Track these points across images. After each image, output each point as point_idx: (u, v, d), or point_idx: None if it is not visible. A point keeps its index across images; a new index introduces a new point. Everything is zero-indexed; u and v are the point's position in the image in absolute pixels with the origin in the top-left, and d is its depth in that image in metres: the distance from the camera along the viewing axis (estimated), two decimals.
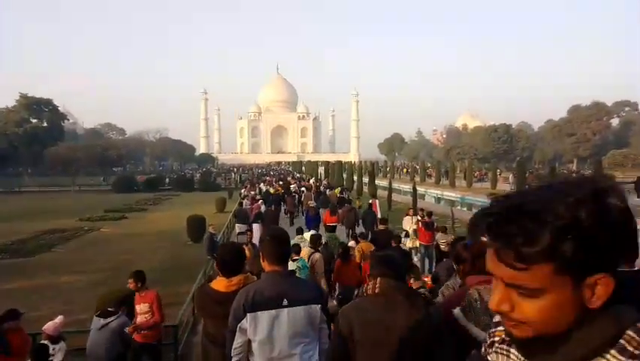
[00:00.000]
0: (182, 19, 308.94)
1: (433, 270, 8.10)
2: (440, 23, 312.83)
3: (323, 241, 8.63)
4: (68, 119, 74.33)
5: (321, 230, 12.86)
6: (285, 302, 2.34)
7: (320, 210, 15.94)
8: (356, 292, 5.43)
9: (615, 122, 71.27)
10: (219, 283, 2.85)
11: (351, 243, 9.42)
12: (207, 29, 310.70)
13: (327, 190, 23.08)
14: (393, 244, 8.20)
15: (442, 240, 9.89)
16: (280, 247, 2.46)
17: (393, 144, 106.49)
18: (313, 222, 14.59)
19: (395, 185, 41.86)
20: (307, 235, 9.93)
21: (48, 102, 66.59)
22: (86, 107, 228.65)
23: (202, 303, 2.93)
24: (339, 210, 15.05)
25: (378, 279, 2.18)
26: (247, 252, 8.98)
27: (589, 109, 65.67)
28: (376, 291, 2.13)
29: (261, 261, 2.49)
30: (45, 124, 65.55)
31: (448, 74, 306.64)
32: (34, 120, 65.07)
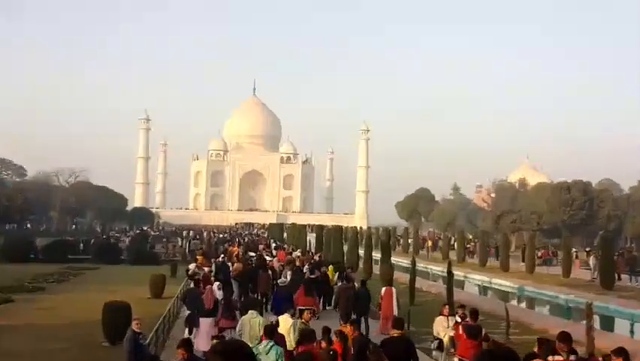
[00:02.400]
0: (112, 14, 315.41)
1: None
2: (488, 34, 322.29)
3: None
4: None
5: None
6: None
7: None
8: None
9: None
10: None
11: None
12: (147, 29, 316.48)
13: (315, 270, 22.53)
14: None
15: None
16: None
17: (419, 205, 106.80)
18: (283, 303, 15.30)
19: (421, 265, 41.33)
20: (283, 319, 11.01)
21: None
22: None
23: None
24: (337, 287, 15.26)
25: None
26: None
27: None
28: None
29: None
30: None
31: (500, 107, 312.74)
32: None
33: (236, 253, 30.30)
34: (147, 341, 11.72)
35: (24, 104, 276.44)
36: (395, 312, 16.44)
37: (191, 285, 18.23)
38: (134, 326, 11.29)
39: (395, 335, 9.75)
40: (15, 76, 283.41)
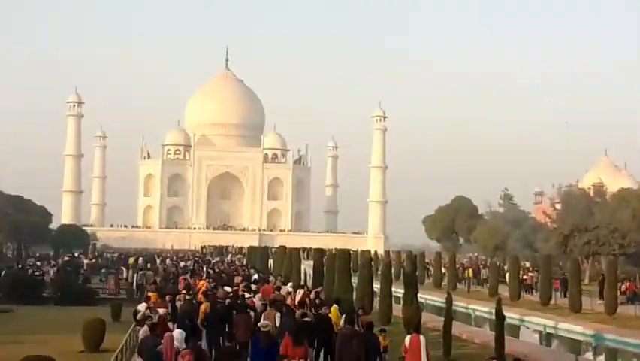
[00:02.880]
0: None
1: None
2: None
3: None
4: None
5: None
6: None
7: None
8: None
9: None
10: None
11: None
12: None
13: (312, 310, 22.83)
14: None
15: None
16: None
17: (455, 220, 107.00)
18: (266, 355, 15.72)
19: (459, 304, 41.61)
20: None
21: None
22: None
23: None
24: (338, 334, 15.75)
25: None
26: None
27: None
28: None
29: None
30: None
31: (568, 90, 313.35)
32: None
33: (203, 288, 30.23)
34: None
35: None
36: None
37: (147, 332, 18.26)
38: None
39: None
40: None
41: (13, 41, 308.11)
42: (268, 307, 22.03)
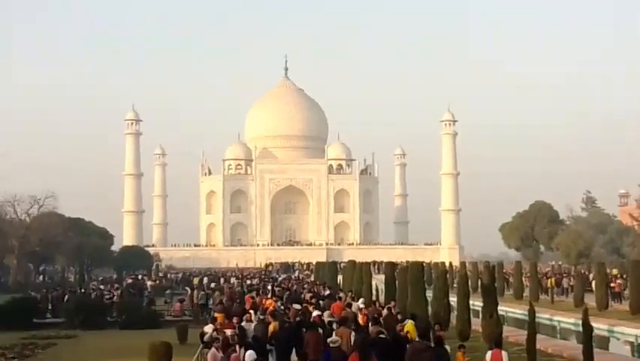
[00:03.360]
0: None
1: None
2: None
3: None
4: None
5: None
6: None
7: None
8: None
9: None
10: None
11: None
12: None
13: (381, 325, 22.34)
14: None
15: None
16: None
17: (535, 227, 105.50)
18: None
19: (543, 316, 41.27)
20: None
21: None
22: None
23: None
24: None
25: None
26: None
27: None
28: None
29: None
30: None
31: None
32: None
33: (270, 308, 30.06)
34: None
35: None
36: None
37: (215, 354, 18.62)
38: None
39: None
40: None
41: (70, 58, 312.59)
42: (340, 326, 21.75)
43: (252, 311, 28.66)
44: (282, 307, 31.36)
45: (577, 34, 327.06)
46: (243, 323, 24.61)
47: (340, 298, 35.58)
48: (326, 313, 27.46)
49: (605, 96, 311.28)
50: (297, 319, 24.88)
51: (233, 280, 72.33)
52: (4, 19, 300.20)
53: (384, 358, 18.19)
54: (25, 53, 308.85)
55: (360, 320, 25.46)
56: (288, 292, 44.93)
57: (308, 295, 36.73)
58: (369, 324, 23.22)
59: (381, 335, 20.36)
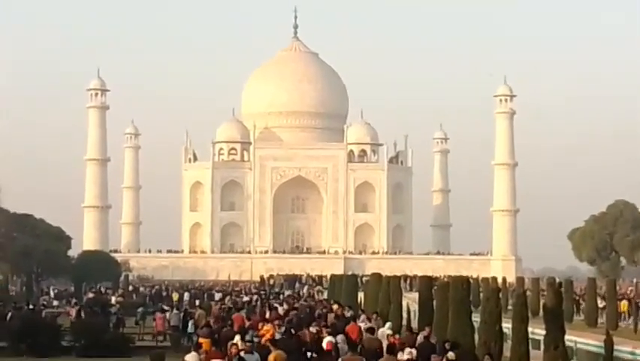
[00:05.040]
0: None
1: None
2: None
3: None
4: None
5: None
6: None
7: None
8: None
9: None
10: None
11: None
12: None
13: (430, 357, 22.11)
14: None
15: None
16: None
17: (614, 233, 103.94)
18: None
19: (623, 349, 39.97)
20: None
21: None
22: None
23: None
24: None
25: None
26: None
27: None
28: None
29: None
30: None
31: None
32: None
33: (268, 336, 29.08)
34: None
35: None
36: None
37: None
38: None
39: None
40: None
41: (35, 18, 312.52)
42: (351, 353, 22.60)
43: (237, 337, 27.49)
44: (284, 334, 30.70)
45: None
46: (243, 354, 23.87)
47: (356, 319, 37.26)
48: (339, 337, 27.81)
49: None
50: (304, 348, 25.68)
51: (218, 295, 71.81)
52: None
53: None
54: None
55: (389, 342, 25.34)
56: (295, 312, 43.93)
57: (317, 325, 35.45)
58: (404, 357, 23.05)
59: None
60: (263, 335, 30.20)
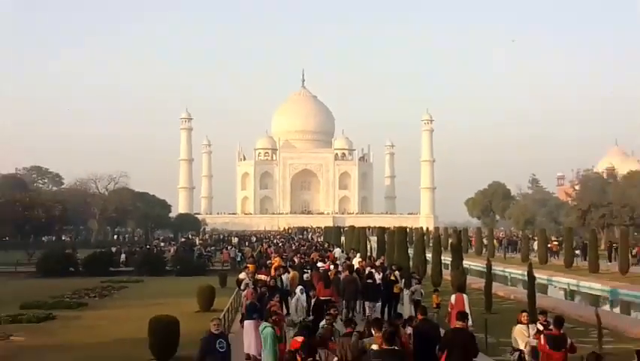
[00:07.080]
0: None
1: None
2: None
3: None
4: None
5: None
6: None
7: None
8: None
9: None
10: None
11: None
12: (183, 18, 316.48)
13: (377, 275, 22.04)
14: None
15: None
16: None
17: (492, 201, 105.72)
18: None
19: (497, 268, 41.01)
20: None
21: None
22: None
23: None
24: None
25: None
26: None
27: None
28: None
29: None
30: None
31: (582, 88, 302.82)
32: None
33: (276, 264, 27.71)
34: (224, 349, 11.38)
35: (49, 105, 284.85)
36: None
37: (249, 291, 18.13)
38: (212, 327, 11.53)
39: (458, 326, 10.93)
40: (39, 75, 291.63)
41: (152, 63, 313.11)
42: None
43: (249, 266, 26.90)
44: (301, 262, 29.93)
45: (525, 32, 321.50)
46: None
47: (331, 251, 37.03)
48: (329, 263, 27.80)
49: (553, 96, 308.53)
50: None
51: (253, 239, 74.86)
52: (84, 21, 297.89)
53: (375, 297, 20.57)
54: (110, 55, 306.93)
55: (358, 267, 25.42)
56: (304, 247, 45.52)
57: (315, 254, 35.85)
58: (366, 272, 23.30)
59: (369, 281, 21.16)
60: (273, 264, 29.28)
